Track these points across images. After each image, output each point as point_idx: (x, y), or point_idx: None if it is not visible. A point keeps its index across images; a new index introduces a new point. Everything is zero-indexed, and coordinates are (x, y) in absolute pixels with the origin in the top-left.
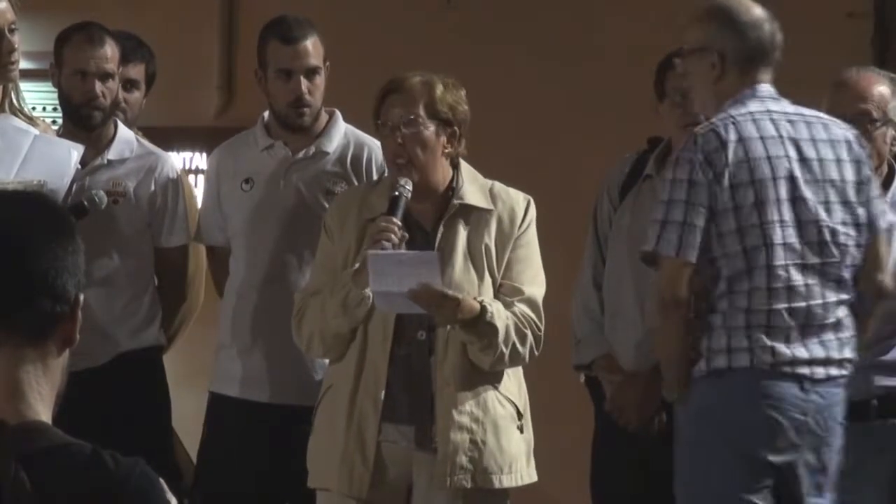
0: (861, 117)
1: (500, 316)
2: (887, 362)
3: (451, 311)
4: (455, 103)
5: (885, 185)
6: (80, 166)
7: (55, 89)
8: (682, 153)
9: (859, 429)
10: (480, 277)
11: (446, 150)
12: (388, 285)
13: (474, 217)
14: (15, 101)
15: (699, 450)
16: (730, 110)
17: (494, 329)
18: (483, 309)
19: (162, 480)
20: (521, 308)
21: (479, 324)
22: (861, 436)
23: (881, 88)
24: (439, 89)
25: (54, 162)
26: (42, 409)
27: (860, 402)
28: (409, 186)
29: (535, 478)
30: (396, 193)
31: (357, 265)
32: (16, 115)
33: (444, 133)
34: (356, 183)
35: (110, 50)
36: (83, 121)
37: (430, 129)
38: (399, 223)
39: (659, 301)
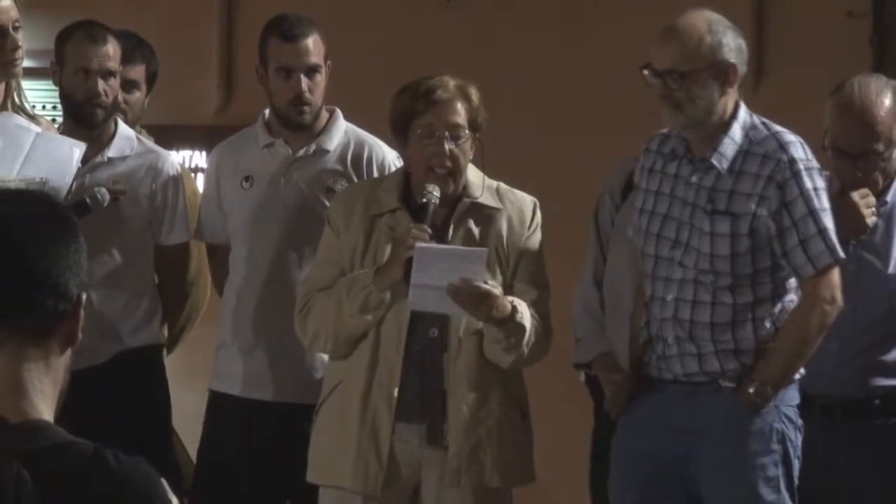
0: (872, 155)
1: (527, 317)
2: (889, 362)
3: (488, 310)
4: (483, 110)
5: (883, 191)
6: (80, 164)
7: (56, 87)
8: (810, 162)
9: (860, 428)
10: (493, 276)
11: (470, 157)
12: (427, 278)
13: (484, 216)
14: (17, 99)
15: (791, 447)
16: (766, 122)
17: (523, 329)
18: (514, 309)
19: (163, 480)
20: (534, 309)
21: (510, 323)
22: (862, 435)
23: (884, 111)
24: (474, 97)
25: (56, 160)
26: (44, 408)
27: (861, 402)
28: (438, 194)
29: (535, 478)
30: (425, 201)
31: (377, 266)
32: (17, 113)
33: (473, 140)
34: (356, 181)
35: (112, 48)
36: (85, 118)
37: (469, 141)
38: (429, 231)
39: (835, 305)
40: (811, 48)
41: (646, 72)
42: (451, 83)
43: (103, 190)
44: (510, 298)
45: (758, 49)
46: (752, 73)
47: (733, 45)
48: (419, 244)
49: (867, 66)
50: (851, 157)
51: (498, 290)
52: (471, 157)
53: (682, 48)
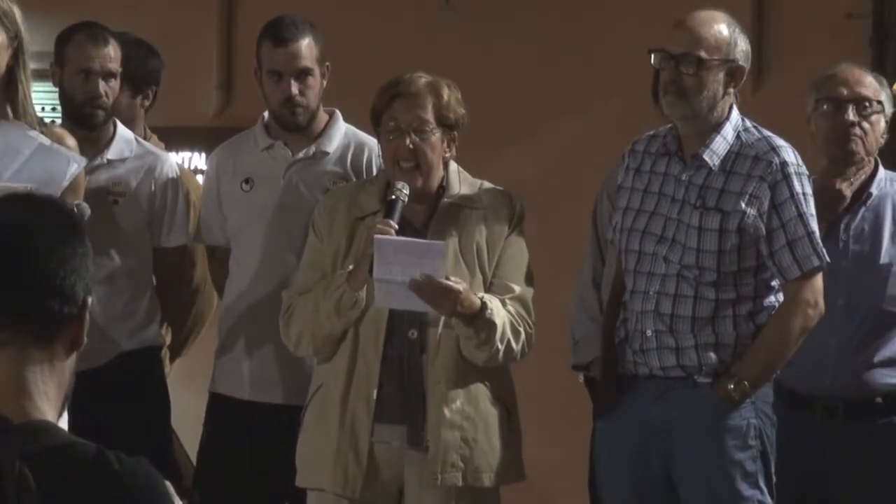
0: (861, 100)
1: (499, 313)
2: (887, 357)
3: (452, 305)
4: (458, 108)
5: (867, 184)
6: None
7: (55, 89)
8: (800, 167)
9: (865, 430)
10: (472, 275)
11: (446, 154)
12: (390, 273)
13: (464, 215)
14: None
15: (768, 443)
16: (757, 127)
17: (493, 325)
18: (483, 305)
19: (167, 482)
20: (514, 306)
21: (479, 320)
22: (867, 436)
23: (871, 79)
24: (445, 94)
25: (50, 173)
26: (48, 410)
27: (864, 402)
28: (407, 191)
29: (524, 476)
30: (393, 197)
31: (351, 266)
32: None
33: (447, 137)
34: None
35: (113, 49)
36: (85, 120)
37: (436, 135)
38: (396, 226)
39: (818, 310)
40: (811, 49)
41: (654, 55)
42: (421, 79)
43: (84, 205)
44: (480, 294)
45: (757, 50)
46: (751, 73)
47: (745, 49)
48: (377, 236)
49: (866, 67)
50: (842, 105)
51: (461, 286)
52: (448, 154)
53: (703, 36)
